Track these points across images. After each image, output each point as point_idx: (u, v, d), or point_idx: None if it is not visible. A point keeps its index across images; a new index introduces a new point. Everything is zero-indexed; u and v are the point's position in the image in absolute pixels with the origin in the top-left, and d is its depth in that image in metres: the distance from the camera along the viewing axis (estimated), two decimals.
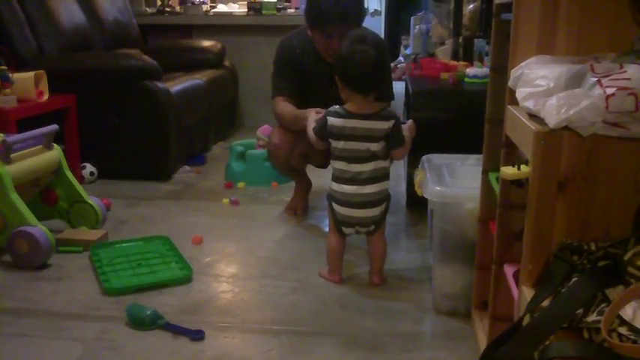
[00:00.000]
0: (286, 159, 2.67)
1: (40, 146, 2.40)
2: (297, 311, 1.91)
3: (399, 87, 3.40)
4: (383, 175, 2.02)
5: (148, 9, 5.04)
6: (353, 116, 1.99)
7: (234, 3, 5.38)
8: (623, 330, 0.82)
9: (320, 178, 2.92)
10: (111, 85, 3.27)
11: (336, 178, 2.04)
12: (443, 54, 3.95)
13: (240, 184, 3.24)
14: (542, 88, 1.06)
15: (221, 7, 5.26)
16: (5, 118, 2.69)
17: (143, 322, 1.78)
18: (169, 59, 4.02)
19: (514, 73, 1.22)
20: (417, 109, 2.73)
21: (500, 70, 1.47)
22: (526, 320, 0.95)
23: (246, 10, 4.86)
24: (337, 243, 2.09)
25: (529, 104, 1.08)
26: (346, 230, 2.06)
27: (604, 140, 0.96)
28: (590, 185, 1.00)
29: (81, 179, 3.14)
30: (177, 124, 3.38)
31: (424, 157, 2.12)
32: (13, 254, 2.19)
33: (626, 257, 0.91)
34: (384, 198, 2.04)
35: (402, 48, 7.03)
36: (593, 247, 0.97)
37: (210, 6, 5.33)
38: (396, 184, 3.18)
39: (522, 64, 1.21)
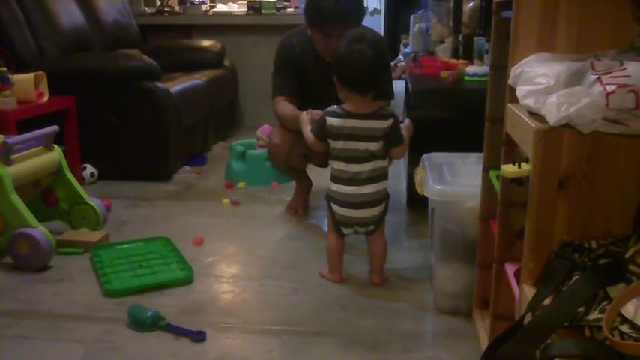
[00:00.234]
0: (287, 159, 2.67)
1: (41, 147, 2.40)
2: (298, 311, 1.91)
3: (399, 86, 3.40)
4: (382, 175, 2.02)
5: (147, 9, 5.04)
6: (351, 116, 1.98)
7: (233, 3, 5.38)
8: (624, 328, 0.82)
9: (320, 177, 2.92)
10: (111, 86, 3.27)
11: (335, 179, 2.03)
12: (443, 52, 3.95)
13: (241, 184, 3.24)
14: (543, 85, 1.06)
15: (220, 7, 5.26)
16: (5, 120, 2.69)
17: (144, 323, 1.78)
18: (169, 59, 4.02)
19: (514, 70, 1.22)
20: (417, 108, 2.73)
21: (501, 68, 1.47)
22: (527, 318, 0.95)
23: (246, 9, 4.86)
24: (336, 243, 2.09)
25: (529, 102, 1.08)
26: (345, 230, 2.06)
27: (604, 137, 0.96)
28: (590, 183, 1.00)
29: (81, 180, 3.14)
30: (177, 125, 3.38)
31: (424, 156, 2.12)
32: (14, 256, 2.19)
33: (627, 255, 0.91)
34: (383, 198, 2.03)
35: (401, 47, 7.03)
36: (594, 244, 0.97)
37: (210, 6, 5.33)
38: (397, 182, 3.18)
39: (522, 61, 1.21)
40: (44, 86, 2.99)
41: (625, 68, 0.96)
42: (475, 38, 3.33)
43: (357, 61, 1.93)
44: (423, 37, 5.01)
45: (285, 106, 2.53)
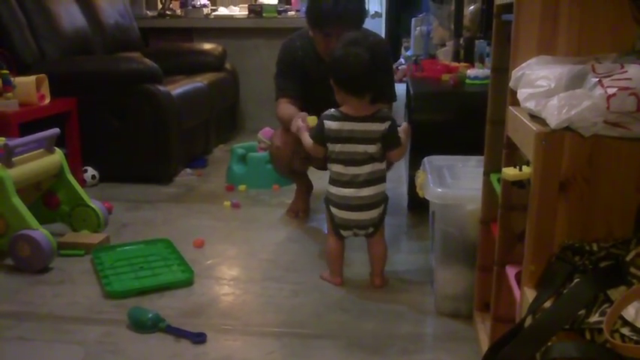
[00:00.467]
0: (288, 161, 2.67)
1: (42, 150, 2.41)
2: (298, 314, 1.91)
3: (400, 89, 3.39)
4: (380, 178, 2.02)
5: (148, 12, 5.05)
6: (349, 119, 1.98)
7: (234, 6, 5.39)
8: (625, 331, 0.82)
9: (320, 180, 2.91)
10: (112, 89, 3.27)
11: (334, 181, 2.03)
12: (444, 55, 3.95)
13: (242, 187, 3.24)
14: (544, 88, 1.06)
15: (222, 10, 5.27)
16: (7, 122, 2.70)
17: (145, 325, 1.78)
18: (170, 62, 4.03)
19: (515, 73, 1.22)
20: (418, 111, 2.73)
21: (502, 71, 1.47)
22: (528, 321, 0.95)
23: (247, 12, 4.87)
24: (336, 246, 2.09)
25: (530, 105, 1.08)
26: (344, 233, 2.06)
27: (605, 140, 0.96)
28: (591, 186, 1.00)
29: (82, 183, 3.14)
30: (178, 127, 3.38)
31: (425, 159, 2.12)
32: (15, 258, 2.19)
33: (628, 258, 0.91)
34: (382, 200, 2.03)
35: (402, 50, 7.03)
36: (594, 247, 0.97)
37: (211, 9, 5.33)
38: (398, 185, 3.18)
39: (523, 64, 1.21)
40: (46, 89, 3.00)
41: (626, 71, 0.96)
42: (476, 41, 3.33)
43: (353, 64, 1.93)
44: (424, 40, 5.00)
45: (287, 109, 2.52)
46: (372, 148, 1.98)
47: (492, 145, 1.59)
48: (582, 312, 0.88)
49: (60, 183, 2.51)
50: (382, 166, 2.03)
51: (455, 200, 1.79)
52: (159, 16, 4.99)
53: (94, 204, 2.52)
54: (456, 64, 3.36)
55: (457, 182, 1.93)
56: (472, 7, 3.66)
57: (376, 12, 8.18)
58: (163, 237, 2.45)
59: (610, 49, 1.17)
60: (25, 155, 2.31)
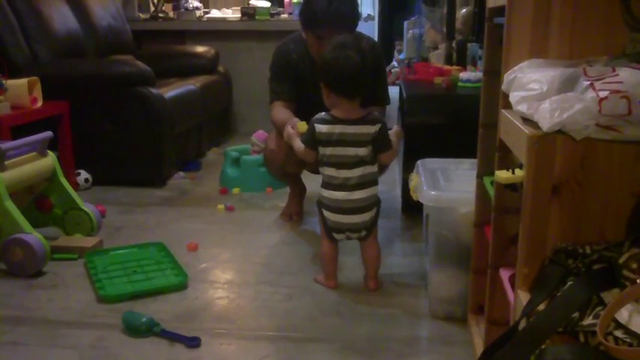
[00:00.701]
0: (282, 164, 2.66)
1: (34, 153, 2.40)
2: (293, 317, 1.91)
3: (393, 92, 3.40)
4: (372, 181, 2.02)
5: (141, 15, 5.03)
6: (339, 122, 1.99)
7: (227, 8, 5.38)
8: (618, 333, 0.82)
9: (313, 182, 2.91)
10: (105, 92, 3.26)
11: (326, 185, 2.03)
12: (436, 58, 3.96)
13: (235, 190, 3.24)
14: (536, 91, 1.07)
15: (214, 13, 5.26)
16: None
17: (139, 330, 1.77)
18: (163, 65, 4.02)
19: (507, 77, 1.23)
20: (411, 114, 2.73)
21: (494, 74, 1.48)
22: (522, 324, 0.95)
23: (240, 15, 4.86)
24: (330, 249, 2.09)
25: (522, 108, 1.08)
26: (337, 236, 2.06)
27: (597, 143, 0.96)
28: (584, 189, 1.00)
29: (75, 186, 3.12)
30: (171, 130, 3.37)
31: (419, 162, 2.12)
32: (8, 262, 2.18)
33: (621, 260, 0.91)
34: (374, 203, 2.04)
35: (395, 52, 7.04)
36: (587, 250, 0.97)
37: (204, 11, 5.33)
38: (391, 188, 3.19)
39: (515, 67, 1.22)
40: (38, 92, 2.98)
41: (617, 74, 0.96)
42: (468, 44, 3.35)
43: (344, 65, 1.94)
44: (417, 43, 5.02)
45: (280, 113, 2.51)
46: (362, 151, 1.98)
47: (485, 148, 1.60)
48: (576, 315, 0.88)
49: (53, 186, 2.50)
50: (374, 168, 2.03)
51: (448, 203, 1.80)
52: (151, 19, 4.97)
53: (87, 207, 2.51)
54: (448, 66, 3.37)
55: (450, 185, 1.94)
56: (464, 10, 3.68)
57: (369, 15, 8.19)
58: (157, 241, 2.44)
59: (602, 53, 1.18)
60: (18, 158, 2.30)
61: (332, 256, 2.10)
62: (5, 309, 1.96)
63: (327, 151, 2.01)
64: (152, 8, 5.15)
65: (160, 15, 5.01)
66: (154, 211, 2.94)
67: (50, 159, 2.46)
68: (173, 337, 1.75)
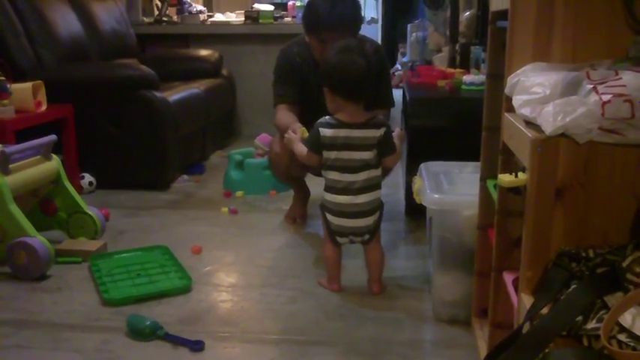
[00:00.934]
0: (287, 167, 2.67)
1: (39, 157, 2.41)
2: (297, 320, 1.91)
3: (396, 94, 3.40)
4: (375, 185, 2.02)
5: (145, 19, 5.05)
6: (344, 126, 1.99)
7: (231, 12, 5.40)
8: (622, 337, 0.82)
9: (317, 186, 2.90)
10: (109, 95, 3.27)
11: (329, 189, 2.03)
12: (440, 61, 3.96)
13: (239, 193, 3.24)
14: (539, 95, 1.07)
15: (218, 17, 5.27)
16: (3, 129, 2.69)
17: (143, 333, 1.78)
18: (167, 69, 4.03)
19: (510, 80, 1.23)
20: (414, 117, 2.74)
21: (497, 78, 1.48)
22: (526, 328, 0.95)
23: (244, 19, 4.87)
24: (333, 252, 2.09)
25: (526, 111, 1.09)
26: (340, 240, 2.06)
27: (600, 147, 0.97)
28: (587, 192, 1.00)
29: (80, 189, 3.14)
30: (175, 134, 3.38)
31: (422, 165, 2.12)
32: (12, 265, 2.19)
33: (625, 264, 0.91)
34: (378, 207, 2.04)
35: (399, 55, 7.05)
36: (591, 253, 0.97)
37: (208, 15, 5.34)
38: (395, 191, 3.19)
39: (518, 71, 1.22)
40: (42, 95, 2.99)
41: (620, 78, 0.96)
42: (472, 47, 3.35)
43: (350, 69, 1.94)
44: (420, 46, 5.03)
45: (284, 117, 2.51)
46: (367, 155, 1.98)
47: (488, 152, 1.60)
48: (580, 318, 0.88)
49: (57, 190, 2.51)
50: (378, 172, 2.03)
51: (452, 206, 1.80)
52: (155, 23, 4.99)
53: (91, 211, 2.52)
54: (451, 70, 3.37)
55: (454, 188, 1.93)
56: (467, 13, 3.67)
57: (372, 18, 8.21)
58: (161, 244, 2.45)
59: (605, 56, 1.18)
60: (22, 162, 2.31)
61: (335, 260, 2.10)
62: (9, 312, 1.97)
63: (331, 155, 2.01)
64: (156, 12, 5.17)
65: (164, 19, 5.03)
66: (157, 215, 2.94)
67: (54, 162, 2.47)
68: (177, 341, 1.75)
